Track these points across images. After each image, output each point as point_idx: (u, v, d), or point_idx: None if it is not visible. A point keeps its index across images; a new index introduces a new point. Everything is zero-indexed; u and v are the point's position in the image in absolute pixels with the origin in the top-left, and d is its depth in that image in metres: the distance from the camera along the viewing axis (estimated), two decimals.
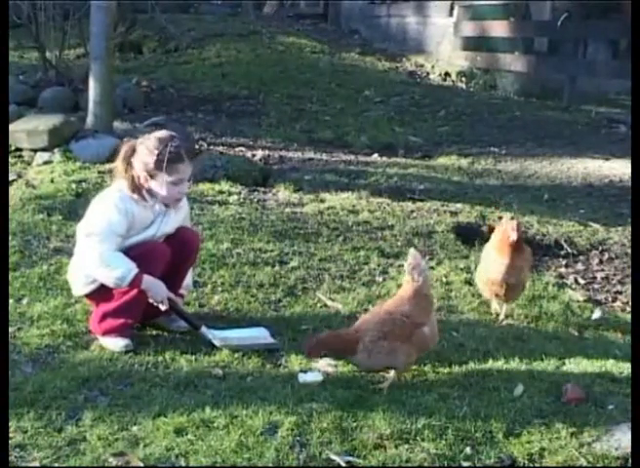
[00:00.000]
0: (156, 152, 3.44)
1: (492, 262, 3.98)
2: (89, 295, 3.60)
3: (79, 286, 3.60)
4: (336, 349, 3.23)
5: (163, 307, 3.50)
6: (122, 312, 3.49)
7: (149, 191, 3.52)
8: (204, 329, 3.58)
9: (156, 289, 3.45)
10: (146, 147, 3.48)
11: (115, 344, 3.48)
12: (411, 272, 3.29)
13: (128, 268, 3.38)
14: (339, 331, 3.34)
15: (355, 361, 3.24)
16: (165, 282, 3.53)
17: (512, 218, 4.23)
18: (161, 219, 3.59)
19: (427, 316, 3.30)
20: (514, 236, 3.87)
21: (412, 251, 3.36)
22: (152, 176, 3.48)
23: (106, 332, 3.51)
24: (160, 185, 3.49)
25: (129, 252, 3.45)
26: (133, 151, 3.51)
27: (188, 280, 3.84)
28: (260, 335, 3.62)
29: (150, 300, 3.47)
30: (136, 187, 3.50)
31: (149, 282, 3.43)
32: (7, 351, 3.22)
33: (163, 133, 3.58)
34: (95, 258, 3.40)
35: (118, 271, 3.38)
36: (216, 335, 3.55)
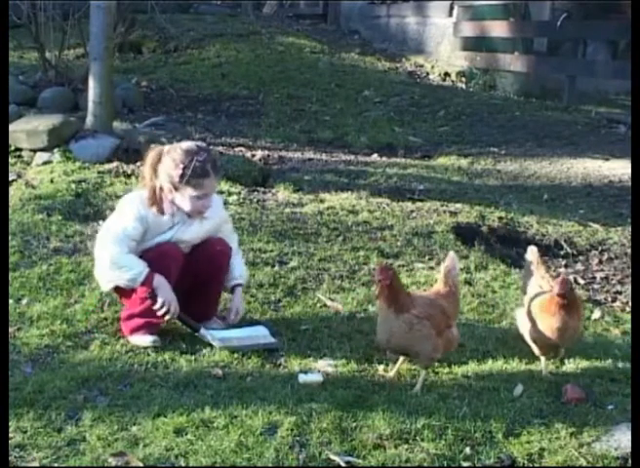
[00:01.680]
0: (181, 166, 3.42)
1: (541, 321, 3.39)
2: (115, 290, 3.62)
3: (103, 282, 3.63)
4: (396, 291, 3.19)
5: (167, 315, 3.49)
6: (147, 312, 3.51)
7: (172, 202, 3.52)
8: (203, 330, 3.57)
9: (165, 290, 3.44)
10: (172, 159, 3.45)
11: (144, 340, 3.51)
12: (447, 274, 3.32)
13: (139, 270, 3.41)
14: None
15: (388, 328, 3.20)
16: (190, 298, 3.56)
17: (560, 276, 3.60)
18: (179, 228, 3.58)
19: (454, 318, 3.34)
20: (559, 289, 3.28)
21: (451, 253, 3.39)
22: (177, 189, 3.47)
23: (133, 331, 3.54)
24: (184, 199, 3.49)
25: (142, 255, 3.48)
26: (159, 159, 3.50)
27: (241, 269, 3.80)
28: (259, 334, 3.62)
29: (156, 307, 3.45)
30: (155, 200, 3.50)
31: (160, 282, 3.44)
32: (7, 351, 3.22)
33: (190, 144, 3.56)
34: (106, 260, 3.45)
35: (130, 273, 3.42)
36: (215, 336, 3.54)
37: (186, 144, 3.55)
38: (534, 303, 3.43)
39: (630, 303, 4.19)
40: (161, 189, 3.50)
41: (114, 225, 3.49)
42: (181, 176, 3.42)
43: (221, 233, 3.78)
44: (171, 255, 3.53)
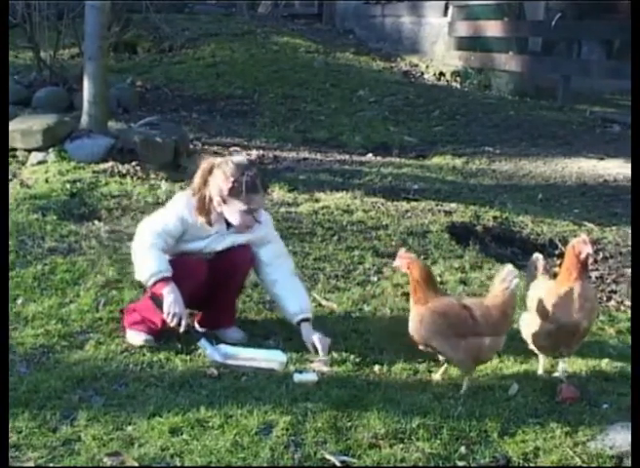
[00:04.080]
0: (232, 179, 3.43)
1: (559, 296, 3.26)
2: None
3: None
4: (416, 281, 3.23)
5: (180, 327, 3.43)
6: (145, 310, 3.52)
7: (220, 214, 3.52)
8: (203, 341, 3.48)
9: (175, 302, 3.39)
10: (223, 172, 3.46)
11: (138, 338, 3.52)
12: (495, 284, 3.25)
13: (157, 271, 3.39)
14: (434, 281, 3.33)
15: (412, 317, 3.26)
16: (206, 304, 3.60)
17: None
18: (215, 237, 3.58)
19: (494, 330, 3.21)
20: (589, 249, 3.23)
21: (509, 266, 3.29)
22: (225, 202, 3.47)
23: (131, 324, 3.56)
24: (233, 212, 3.49)
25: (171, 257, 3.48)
26: (211, 170, 3.51)
27: (303, 301, 3.66)
28: (269, 358, 3.44)
29: (164, 316, 3.42)
30: (204, 209, 3.50)
31: (171, 292, 3.39)
32: (7, 351, 3.22)
33: (241, 159, 3.59)
34: (142, 245, 3.44)
35: (152, 267, 3.39)
36: (221, 350, 3.45)
37: (238, 159, 3.57)
38: (547, 287, 3.32)
39: (630, 304, 4.15)
40: (210, 200, 3.51)
41: (156, 220, 3.51)
42: (231, 190, 3.44)
43: (265, 252, 3.68)
44: (189, 271, 3.49)
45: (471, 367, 3.27)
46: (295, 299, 3.63)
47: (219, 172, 3.48)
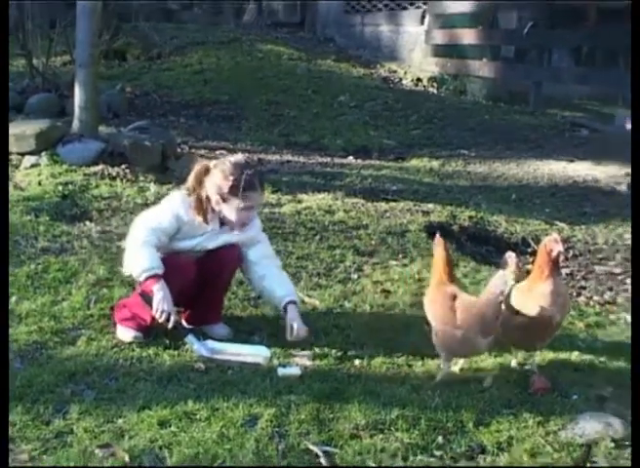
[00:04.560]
0: (232, 178, 3.46)
1: (532, 293, 3.34)
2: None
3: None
4: (444, 264, 3.40)
5: (168, 323, 3.45)
6: (139, 306, 3.52)
7: (215, 212, 3.56)
8: (190, 337, 3.52)
9: (164, 300, 3.41)
10: (222, 171, 3.49)
11: (127, 335, 3.55)
12: (489, 288, 3.30)
13: (151, 266, 3.39)
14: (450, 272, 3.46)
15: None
16: (193, 300, 3.64)
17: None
18: (208, 236, 3.61)
19: (466, 325, 3.25)
20: (560, 247, 3.31)
21: (501, 272, 3.33)
22: (225, 201, 3.51)
23: (122, 321, 3.59)
24: (231, 210, 3.52)
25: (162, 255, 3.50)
26: (206, 172, 3.54)
27: (287, 287, 3.71)
28: (254, 353, 3.50)
29: (153, 312, 3.44)
30: (201, 209, 3.53)
31: (160, 290, 3.40)
32: (7, 350, 3.25)
33: (239, 158, 3.61)
34: (135, 241, 3.45)
35: (144, 263, 3.40)
36: (207, 345, 3.50)
37: (235, 158, 3.60)
38: (518, 287, 3.38)
39: (630, 304, 4.09)
40: (208, 200, 3.54)
41: (151, 217, 3.52)
42: (231, 188, 3.47)
43: (254, 252, 3.73)
44: (179, 271, 3.51)
45: (446, 355, 3.34)
46: (282, 287, 3.71)
47: (216, 171, 3.51)
